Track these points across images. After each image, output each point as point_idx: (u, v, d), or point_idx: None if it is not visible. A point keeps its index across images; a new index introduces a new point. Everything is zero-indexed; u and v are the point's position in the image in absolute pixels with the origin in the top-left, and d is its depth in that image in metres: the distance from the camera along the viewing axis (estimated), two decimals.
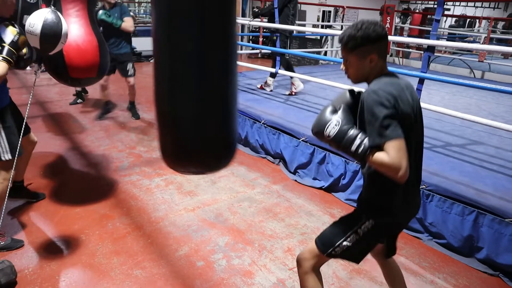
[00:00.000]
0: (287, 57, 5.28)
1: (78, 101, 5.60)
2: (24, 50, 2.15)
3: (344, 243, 1.50)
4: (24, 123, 2.28)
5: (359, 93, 1.49)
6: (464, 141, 3.55)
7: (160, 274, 2.21)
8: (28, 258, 2.30)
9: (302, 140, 3.51)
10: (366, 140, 1.32)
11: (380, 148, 1.29)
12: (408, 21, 10.24)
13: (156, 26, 1.20)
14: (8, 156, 2.25)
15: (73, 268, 2.24)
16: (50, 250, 2.39)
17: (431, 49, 2.87)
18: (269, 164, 3.93)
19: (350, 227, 1.50)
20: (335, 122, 1.36)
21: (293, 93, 5.12)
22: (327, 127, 1.37)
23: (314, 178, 3.45)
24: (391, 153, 1.25)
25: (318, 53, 8.88)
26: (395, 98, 1.31)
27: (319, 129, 1.40)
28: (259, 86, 5.39)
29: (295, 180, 3.56)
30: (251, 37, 12.68)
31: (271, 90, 5.28)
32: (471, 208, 2.42)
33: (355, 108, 1.44)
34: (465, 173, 2.77)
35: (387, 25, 7.40)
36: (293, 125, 3.74)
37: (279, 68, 4.58)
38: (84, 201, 2.98)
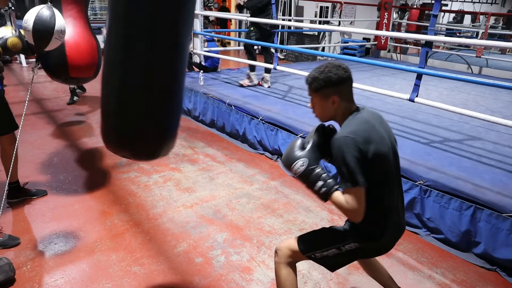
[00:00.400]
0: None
1: (74, 98, 5.59)
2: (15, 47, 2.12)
3: (325, 253, 1.56)
4: (9, 121, 2.30)
5: (331, 130, 1.56)
6: (462, 137, 3.56)
7: (159, 270, 2.21)
8: (27, 255, 2.30)
9: (300, 136, 3.51)
10: (329, 181, 1.40)
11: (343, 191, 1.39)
12: (406, 17, 10.21)
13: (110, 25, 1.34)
14: None
15: (72, 265, 2.23)
16: (49, 247, 2.39)
17: (428, 44, 2.86)
18: (267, 160, 3.93)
19: (334, 242, 1.55)
20: (302, 161, 1.43)
21: (246, 86, 5.26)
22: (295, 164, 1.44)
23: None
24: (349, 201, 1.35)
25: (316, 49, 8.87)
26: (365, 141, 1.36)
27: (287, 164, 1.48)
28: (257, 82, 5.38)
29: (293, 176, 3.55)
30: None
31: (268, 86, 5.28)
32: (468, 203, 2.42)
33: (325, 143, 1.51)
34: (463, 168, 2.78)
35: (385, 20, 7.39)
36: (291, 121, 3.74)
37: (277, 64, 4.58)
38: (83, 198, 2.98)
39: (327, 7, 9.34)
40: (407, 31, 9.54)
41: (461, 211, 2.45)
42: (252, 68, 5.28)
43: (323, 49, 9.30)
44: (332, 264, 1.61)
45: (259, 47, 5.49)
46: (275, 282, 1.67)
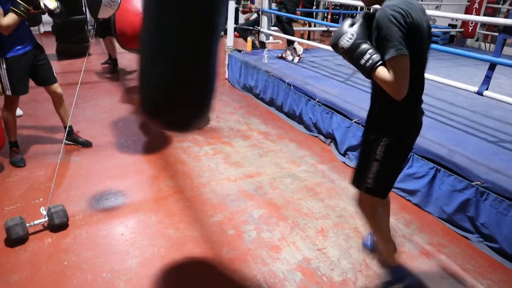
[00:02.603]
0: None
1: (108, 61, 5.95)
2: (46, 6, 2.56)
3: (371, 173, 1.66)
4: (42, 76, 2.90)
5: (374, 13, 1.52)
6: None
7: (191, 236, 2.31)
8: (81, 206, 2.55)
9: (355, 122, 3.37)
10: (375, 56, 1.43)
11: (385, 64, 1.42)
12: (509, 2, 9.05)
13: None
14: (8, 92, 2.83)
15: (116, 220, 2.43)
16: (100, 201, 2.61)
17: (508, 30, 2.51)
18: (320, 143, 3.84)
19: (368, 157, 1.65)
20: (349, 36, 1.46)
21: (300, 57, 5.36)
22: (342, 39, 1.47)
23: None
24: (393, 71, 1.39)
25: None
26: (407, 13, 1.37)
27: (335, 41, 1.50)
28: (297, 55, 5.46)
29: (344, 162, 3.44)
30: (325, 14, 12.26)
31: (292, 59, 5.42)
32: None
33: (370, 27, 1.51)
34: None
35: (476, 5, 6.65)
36: (348, 105, 3.59)
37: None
38: (137, 160, 3.20)
39: None
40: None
41: None
42: (290, 42, 5.48)
43: None
44: (385, 182, 1.71)
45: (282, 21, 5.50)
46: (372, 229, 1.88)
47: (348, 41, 1.45)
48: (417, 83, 1.51)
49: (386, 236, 1.87)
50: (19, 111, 3.93)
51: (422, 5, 1.51)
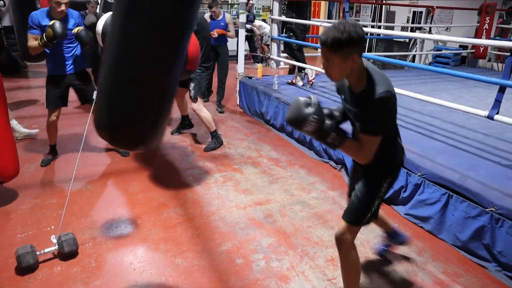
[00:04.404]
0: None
1: None
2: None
3: (373, 208, 1.76)
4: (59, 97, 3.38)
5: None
6: None
7: (199, 265, 2.30)
8: (91, 233, 2.57)
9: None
10: (341, 136, 1.55)
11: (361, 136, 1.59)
12: None
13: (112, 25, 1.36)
14: (45, 105, 3.42)
15: (125, 248, 2.43)
16: (110, 229, 2.63)
17: None
18: (331, 169, 3.81)
19: (375, 194, 1.75)
20: (312, 118, 1.49)
21: (313, 82, 5.46)
22: (305, 124, 1.50)
23: None
24: (366, 147, 1.57)
25: (405, 56, 8.35)
26: (395, 96, 1.54)
27: (297, 122, 1.53)
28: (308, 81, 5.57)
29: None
30: None
31: (303, 84, 5.53)
32: None
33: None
34: None
35: (485, 26, 6.65)
36: None
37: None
38: (147, 188, 3.23)
39: (421, 12, 8.74)
40: None
41: None
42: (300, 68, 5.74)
43: (413, 57, 8.73)
44: (376, 213, 1.84)
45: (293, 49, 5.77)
46: (343, 271, 1.87)
47: (311, 124, 1.50)
48: (395, 139, 1.75)
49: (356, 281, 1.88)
50: (34, 130, 4.30)
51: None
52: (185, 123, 4.64)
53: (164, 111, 1.50)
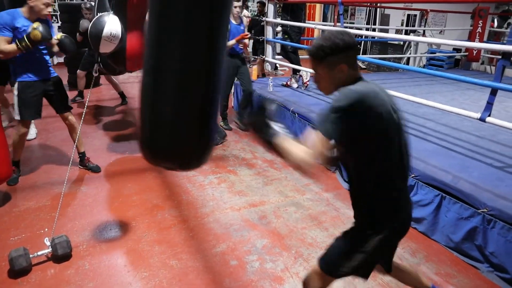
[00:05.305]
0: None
1: (76, 98, 5.80)
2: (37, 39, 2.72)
3: (353, 263, 1.44)
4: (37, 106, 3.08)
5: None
6: None
7: (193, 267, 2.30)
8: (85, 236, 2.56)
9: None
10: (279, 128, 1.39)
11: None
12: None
13: (148, 27, 1.31)
14: (17, 117, 3.06)
15: (119, 250, 2.43)
16: (104, 232, 2.63)
17: (507, 56, 2.53)
18: (325, 171, 3.83)
19: (357, 247, 1.44)
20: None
21: (307, 84, 5.40)
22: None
23: None
24: (312, 142, 1.26)
25: (399, 59, 8.40)
26: (363, 96, 1.26)
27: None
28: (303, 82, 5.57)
29: (349, 190, 3.41)
30: None
31: (297, 86, 5.50)
32: None
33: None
34: None
35: (479, 29, 6.71)
36: None
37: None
38: (142, 190, 3.22)
39: (415, 15, 8.80)
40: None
41: None
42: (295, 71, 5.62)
43: (407, 60, 8.78)
44: (364, 272, 1.52)
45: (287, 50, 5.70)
46: None
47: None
48: (389, 182, 1.39)
49: None
50: (32, 133, 4.16)
51: (384, 89, 1.40)
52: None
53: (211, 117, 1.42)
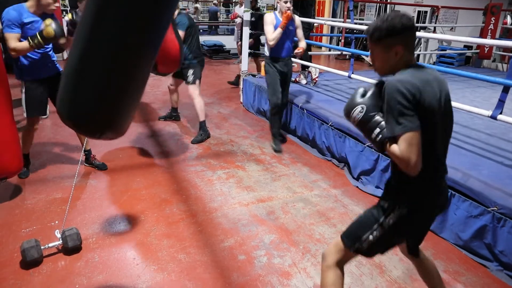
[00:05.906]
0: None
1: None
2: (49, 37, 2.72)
3: (370, 237, 1.48)
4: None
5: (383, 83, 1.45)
6: None
7: (201, 261, 2.31)
8: (94, 229, 2.59)
9: (367, 146, 3.35)
10: (385, 130, 1.34)
11: (396, 139, 1.30)
12: None
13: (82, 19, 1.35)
14: (25, 115, 3.09)
15: (128, 243, 2.45)
16: (113, 225, 2.66)
17: None
18: (333, 167, 3.82)
19: (375, 220, 1.48)
20: (360, 108, 1.40)
21: (316, 80, 5.43)
22: (354, 111, 1.41)
23: (377, 187, 3.26)
24: (402, 147, 1.28)
25: None
26: (416, 89, 1.29)
27: (347, 110, 1.45)
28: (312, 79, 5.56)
29: (357, 187, 3.41)
30: (339, 38, 12.40)
31: (306, 83, 5.51)
32: None
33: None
34: None
35: (491, 26, 6.62)
36: None
37: (351, 73, 4.45)
38: (151, 184, 3.24)
39: (426, 12, 8.71)
40: None
41: None
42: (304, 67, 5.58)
43: (417, 57, 8.70)
44: (379, 249, 1.55)
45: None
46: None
47: (359, 113, 1.39)
48: (427, 162, 1.35)
49: None
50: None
51: (439, 76, 1.42)
52: (173, 115, 5.00)
53: (128, 99, 1.52)
